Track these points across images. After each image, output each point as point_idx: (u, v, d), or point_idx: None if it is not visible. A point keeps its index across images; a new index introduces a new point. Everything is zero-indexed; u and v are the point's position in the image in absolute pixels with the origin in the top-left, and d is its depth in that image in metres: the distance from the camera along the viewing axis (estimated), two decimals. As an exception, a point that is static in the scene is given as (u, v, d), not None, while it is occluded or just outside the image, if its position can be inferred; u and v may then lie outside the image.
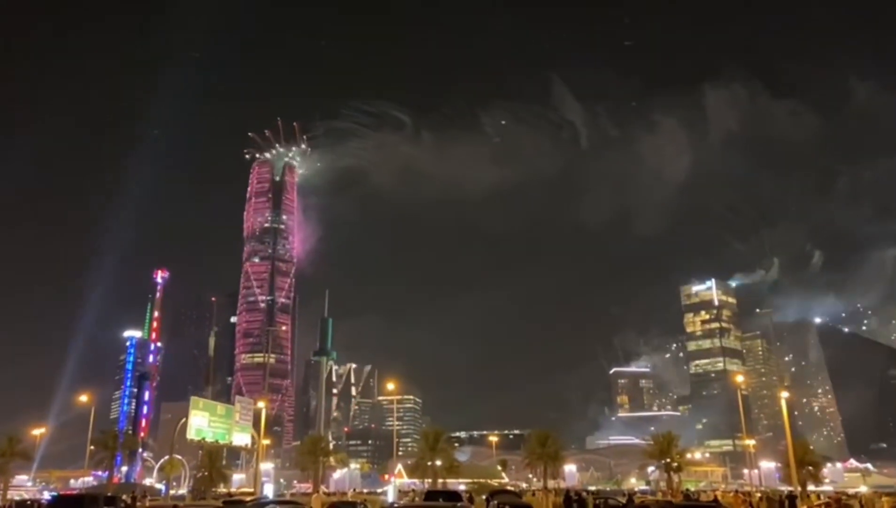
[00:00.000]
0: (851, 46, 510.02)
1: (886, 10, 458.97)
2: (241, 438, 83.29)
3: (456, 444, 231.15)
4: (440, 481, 80.00)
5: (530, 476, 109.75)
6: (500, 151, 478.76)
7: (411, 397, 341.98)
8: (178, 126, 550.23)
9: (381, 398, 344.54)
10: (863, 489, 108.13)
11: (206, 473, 75.79)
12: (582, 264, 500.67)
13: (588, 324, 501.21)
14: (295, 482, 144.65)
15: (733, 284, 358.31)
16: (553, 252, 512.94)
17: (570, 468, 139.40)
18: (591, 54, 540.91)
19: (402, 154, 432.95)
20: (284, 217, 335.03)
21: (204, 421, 74.81)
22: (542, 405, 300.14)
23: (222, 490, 76.46)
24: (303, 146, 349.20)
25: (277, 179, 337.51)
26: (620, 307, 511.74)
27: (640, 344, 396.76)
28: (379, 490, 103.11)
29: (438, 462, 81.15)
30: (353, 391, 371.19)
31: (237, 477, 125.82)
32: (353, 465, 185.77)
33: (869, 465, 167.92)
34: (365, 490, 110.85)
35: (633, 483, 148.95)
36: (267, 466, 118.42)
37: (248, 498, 50.60)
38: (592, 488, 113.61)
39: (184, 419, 75.34)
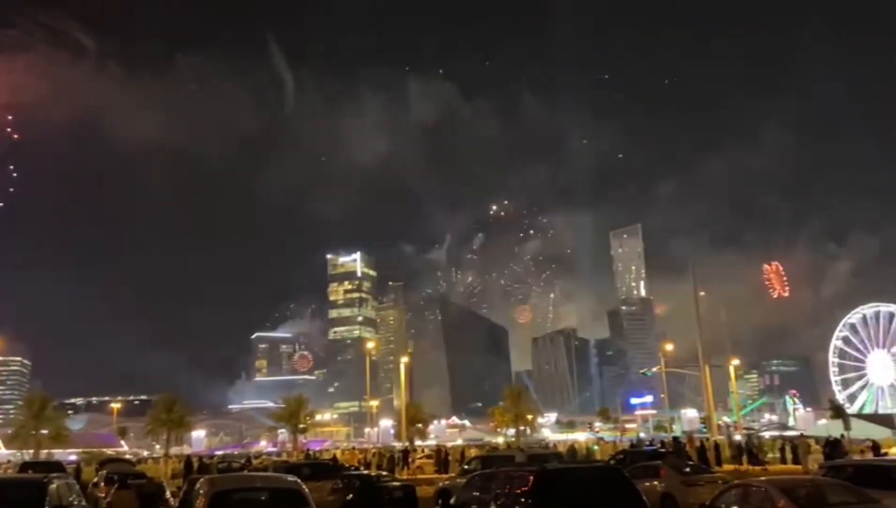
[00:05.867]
0: (524, 62, 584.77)
1: (548, 34, 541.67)
2: None
3: (70, 411, 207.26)
4: (45, 451, 72.05)
5: (153, 443, 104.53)
6: (194, 103, 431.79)
7: (18, 358, 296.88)
8: None
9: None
10: (459, 441, 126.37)
11: None
12: (246, 231, 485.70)
13: (238, 290, 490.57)
14: None
15: (373, 257, 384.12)
16: (221, 217, 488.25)
17: (198, 433, 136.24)
18: (308, 21, 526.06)
19: (76, 83, 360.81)
20: None
21: None
22: (177, 370, 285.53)
23: None
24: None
25: None
26: (275, 276, 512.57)
27: (287, 311, 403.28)
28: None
29: (45, 431, 73.22)
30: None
31: None
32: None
33: (467, 422, 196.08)
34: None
35: (263, 445, 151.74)
36: None
37: None
38: (220, 452, 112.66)
39: None
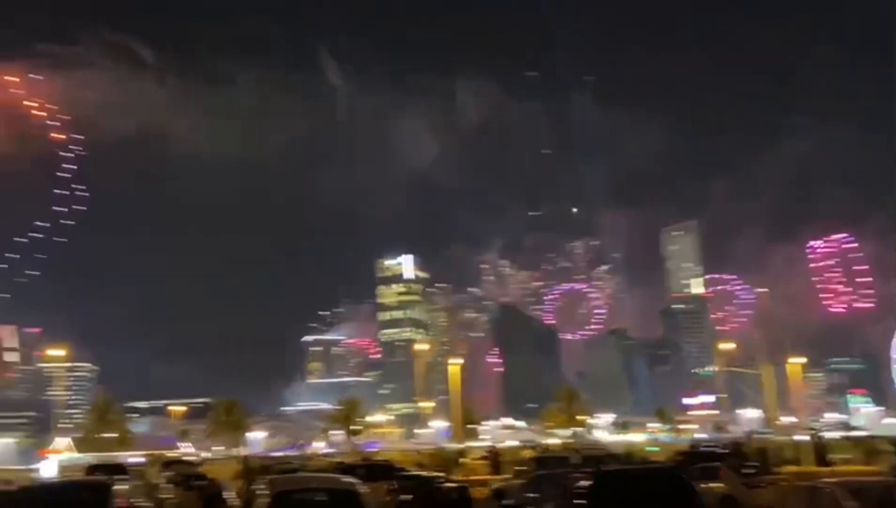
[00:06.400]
0: (572, 60, 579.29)
1: (594, 30, 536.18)
2: None
3: (136, 415, 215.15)
4: (110, 454, 74.73)
5: (213, 445, 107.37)
6: (248, 112, 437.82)
7: (87, 364, 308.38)
8: None
9: (47, 364, 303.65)
10: (512, 442, 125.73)
11: None
12: (299, 236, 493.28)
13: (291, 293, 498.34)
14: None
15: (420, 260, 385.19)
16: (274, 223, 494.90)
17: (256, 435, 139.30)
18: (358, 28, 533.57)
19: (138, 97, 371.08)
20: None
21: None
22: (234, 373, 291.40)
23: None
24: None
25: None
26: (327, 279, 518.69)
27: (339, 313, 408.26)
28: (33, 467, 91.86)
29: (111, 434, 76.13)
30: (14, 356, 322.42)
31: None
32: (11, 440, 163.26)
33: (520, 422, 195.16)
34: (24, 468, 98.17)
35: (319, 446, 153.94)
36: None
37: None
38: (278, 454, 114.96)
39: None
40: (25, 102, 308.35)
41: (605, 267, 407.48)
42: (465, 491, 27.57)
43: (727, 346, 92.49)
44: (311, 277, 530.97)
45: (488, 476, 48.73)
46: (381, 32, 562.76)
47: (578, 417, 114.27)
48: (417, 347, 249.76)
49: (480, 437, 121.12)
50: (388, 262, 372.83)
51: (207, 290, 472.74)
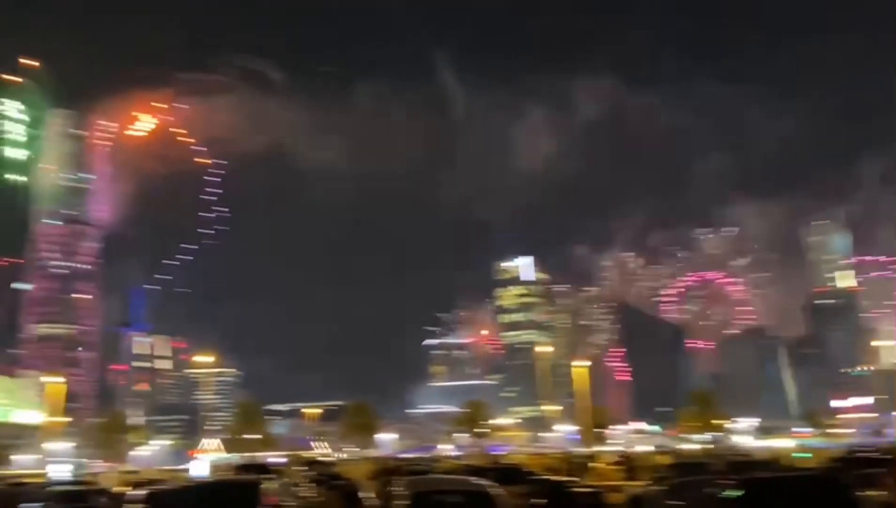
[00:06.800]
0: (693, 46, 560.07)
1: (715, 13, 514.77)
2: (30, 416, 76.24)
3: (279, 417, 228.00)
4: (254, 454, 79.31)
5: (347, 445, 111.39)
6: (367, 123, 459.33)
7: (232, 370, 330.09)
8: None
9: (195, 371, 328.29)
10: (645, 447, 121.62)
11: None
12: (418, 240, 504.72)
13: (410, 297, 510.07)
14: (100, 461, 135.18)
15: (537, 262, 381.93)
16: (389, 228, 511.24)
17: (386, 436, 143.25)
18: (473, 32, 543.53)
19: (268, 116, 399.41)
20: (91, 175, 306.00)
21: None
22: (364, 377, 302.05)
23: None
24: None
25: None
26: (446, 282, 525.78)
27: (460, 316, 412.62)
28: (183, 467, 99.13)
29: (255, 436, 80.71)
30: (166, 363, 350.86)
31: (26, 459, 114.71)
32: (165, 442, 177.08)
33: (655, 427, 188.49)
34: (176, 468, 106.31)
35: (446, 448, 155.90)
36: (63, 445, 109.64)
37: (27, 481, 46.38)
38: (411, 455, 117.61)
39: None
40: (172, 130, 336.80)
41: (740, 262, 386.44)
42: (600, 497, 26.89)
43: (883, 343, 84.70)
44: (432, 280, 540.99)
45: (622, 482, 47.29)
46: (496, 33, 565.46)
47: (714, 421, 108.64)
48: (539, 349, 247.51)
49: (609, 441, 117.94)
50: (505, 264, 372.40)
51: (336, 296, 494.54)
